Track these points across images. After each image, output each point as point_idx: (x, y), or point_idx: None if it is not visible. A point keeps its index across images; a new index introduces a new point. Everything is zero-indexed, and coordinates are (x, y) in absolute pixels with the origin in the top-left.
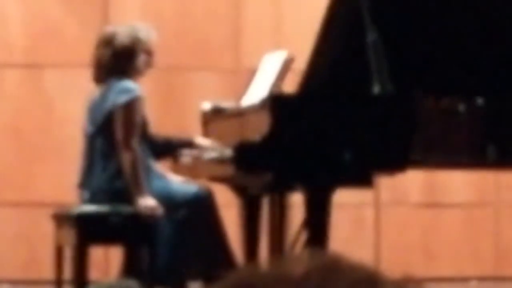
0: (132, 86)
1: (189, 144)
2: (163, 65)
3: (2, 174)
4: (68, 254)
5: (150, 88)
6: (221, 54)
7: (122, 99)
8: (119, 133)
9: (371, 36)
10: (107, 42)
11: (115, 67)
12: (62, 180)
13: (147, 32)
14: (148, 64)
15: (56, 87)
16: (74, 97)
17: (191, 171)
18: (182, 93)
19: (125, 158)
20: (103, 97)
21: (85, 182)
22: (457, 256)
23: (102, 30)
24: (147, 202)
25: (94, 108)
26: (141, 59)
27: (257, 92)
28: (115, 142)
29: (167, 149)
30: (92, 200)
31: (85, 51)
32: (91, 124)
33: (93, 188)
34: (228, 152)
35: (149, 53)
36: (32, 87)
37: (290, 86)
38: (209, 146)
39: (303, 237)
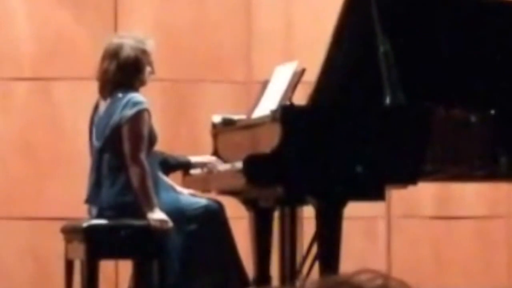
0: (140, 99)
1: (186, 165)
2: (175, 77)
3: (11, 188)
4: (78, 268)
5: (162, 101)
6: (232, 67)
7: (130, 112)
8: (127, 147)
9: (383, 47)
10: (112, 55)
11: (121, 81)
12: (71, 194)
13: (150, 42)
14: (151, 73)
15: (66, 100)
16: (84, 110)
17: (201, 184)
18: (194, 106)
19: (134, 172)
20: (109, 111)
21: (93, 198)
22: (470, 268)
23: (107, 42)
24: (157, 216)
25: (100, 123)
26: (146, 71)
27: (267, 104)
28: (123, 156)
29: (163, 169)
30: (101, 216)
31: (94, 64)
32: (97, 139)
33: (101, 203)
34: (238, 164)
35: (151, 63)
36: (41, 100)
37: (301, 97)
38: (208, 161)
39: (315, 250)
